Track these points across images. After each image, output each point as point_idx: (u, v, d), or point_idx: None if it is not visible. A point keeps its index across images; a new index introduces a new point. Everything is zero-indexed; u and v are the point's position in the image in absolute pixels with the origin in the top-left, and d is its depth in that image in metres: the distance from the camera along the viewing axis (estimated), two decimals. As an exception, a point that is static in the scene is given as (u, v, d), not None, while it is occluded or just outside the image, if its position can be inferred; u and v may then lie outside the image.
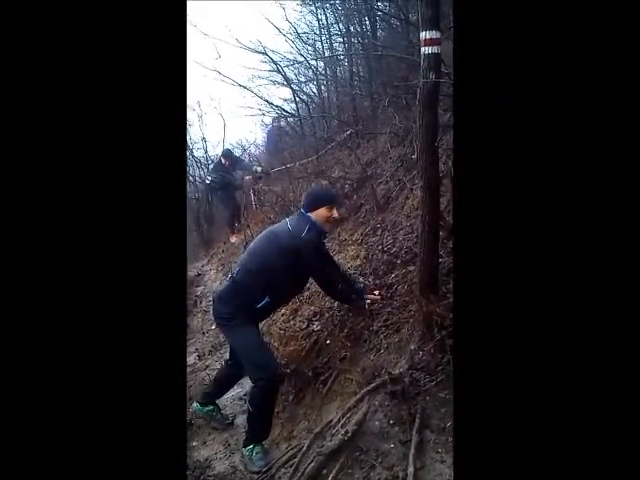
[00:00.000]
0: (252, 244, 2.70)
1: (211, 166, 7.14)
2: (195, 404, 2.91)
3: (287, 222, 2.57)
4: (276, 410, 2.70)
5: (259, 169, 6.41)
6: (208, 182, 6.77)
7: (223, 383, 2.94)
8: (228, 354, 3.01)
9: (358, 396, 2.22)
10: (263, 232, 2.72)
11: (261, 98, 6.41)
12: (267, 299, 2.51)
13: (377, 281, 2.95)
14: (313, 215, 2.52)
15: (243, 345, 2.52)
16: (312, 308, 3.17)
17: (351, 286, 2.80)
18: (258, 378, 2.42)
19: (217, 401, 2.98)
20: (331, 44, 7.04)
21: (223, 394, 2.98)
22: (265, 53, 6.32)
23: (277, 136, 8.00)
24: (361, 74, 6.38)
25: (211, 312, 4.02)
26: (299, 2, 6.90)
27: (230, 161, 6.56)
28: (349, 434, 2.04)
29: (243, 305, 2.49)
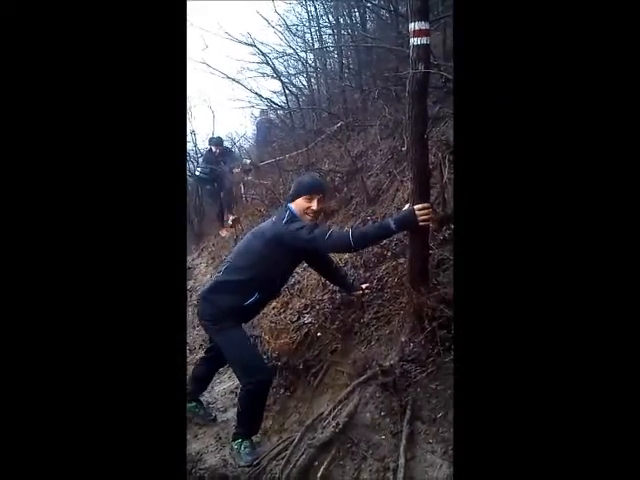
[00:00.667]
0: (239, 242, 2.65)
1: (202, 156, 7.08)
2: None
3: (272, 216, 2.50)
4: (267, 403, 2.70)
5: (248, 162, 6.38)
6: (197, 174, 6.69)
7: (202, 380, 2.92)
8: (205, 350, 3.00)
9: (349, 388, 2.23)
10: (251, 230, 2.66)
11: (250, 91, 6.36)
12: (256, 295, 2.45)
13: (367, 273, 2.95)
14: (293, 205, 2.40)
15: (231, 350, 2.46)
16: (303, 301, 3.17)
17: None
18: (247, 382, 2.40)
19: (207, 394, 2.97)
20: (320, 36, 7.00)
21: (204, 390, 2.98)
22: (254, 45, 6.27)
23: (266, 129, 7.96)
24: (351, 66, 6.36)
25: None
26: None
27: (220, 149, 6.50)
28: (340, 426, 2.05)
29: (230, 304, 2.43)
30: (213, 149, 6.50)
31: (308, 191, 2.38)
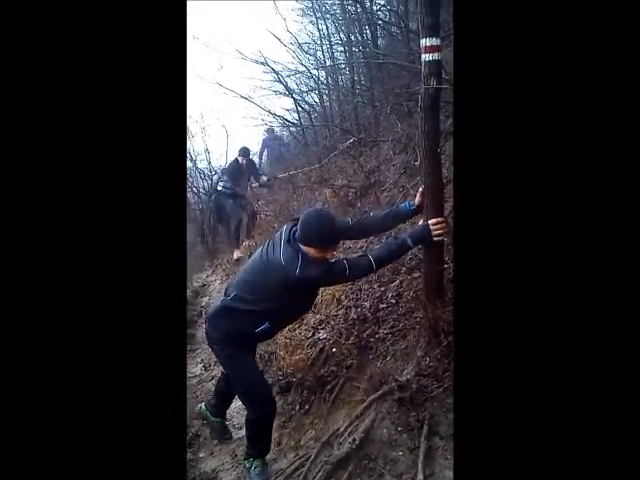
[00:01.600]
0: (247, 267, 2.41)
1: (216, 173, 6.99)
2: (204, 407, 2.83)
3: (280, 251, 2.16)
4: (283, 420, 2.70)
5: (265, 178, 6.36)
6: (219, 189, 6.44)
7: (225, 395, 2.82)
8: None
9: (365, 404, 2.21)
10: (257, 254, 2.36)
11: (263, 109, 6.42)
12: (267, 324, 2.27)
13: (382, 288, 2.94)
14: (305, 248, 2.12)
15: (236, 378, 2.40)
16: (317, 317, 3.16)
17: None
18: (251, 411, 2.38)
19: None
20: (332, 53, 7.08)
21: (229, 405, 2.90)
22: (267, 64, 6.35)
23: (278, 146, 8.00)
24: (362, 82, 6.41)
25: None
26: (300, 13, 6.96)
27: (247, 161, 6.37)
28: (357, 442, 2.03)
29: (239, 331, 2.29)
30: (240, 160, 6.30)
31: (321, 245, 2.12)
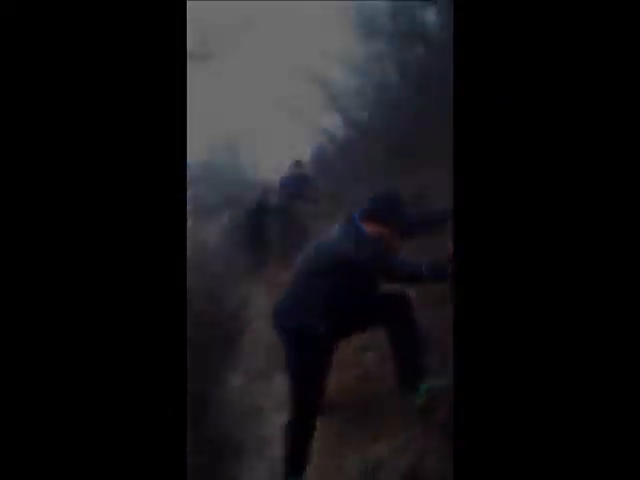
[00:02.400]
0: (299, 261, 2.32)
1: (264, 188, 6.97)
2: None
3: (336, 233, 2.17)
4: (324, 443, 2.64)
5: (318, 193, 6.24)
6: (274, 206, 6.25)
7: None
8: None
9: (411, 432, 2.15)
10: (309, 248, 2.33)
11: (313, 125, 6.44)
12: (323, 328, 2.10)
13: (438, 310, 2.87)
14: (364, 225, 2.10)
15: (291, 372, 2.31)
16: (363, 337, 3.11)
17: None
18: (291, 414, 2.29)
19: (264, 426, 2.92)
20: (384, 70, 7.06)
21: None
22: (317, 80, 6.40)
23: (326, 161, 7.96)
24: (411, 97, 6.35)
25: (259, 334, 3.97)
26: (352, 31, 6.99)
27: (302, 170, 6.28)
28: (401, 471, 1.97)
29: (295, 330, 2.18)
30: (294, 173, 6.19)
31: (383, 219, 2.12)
